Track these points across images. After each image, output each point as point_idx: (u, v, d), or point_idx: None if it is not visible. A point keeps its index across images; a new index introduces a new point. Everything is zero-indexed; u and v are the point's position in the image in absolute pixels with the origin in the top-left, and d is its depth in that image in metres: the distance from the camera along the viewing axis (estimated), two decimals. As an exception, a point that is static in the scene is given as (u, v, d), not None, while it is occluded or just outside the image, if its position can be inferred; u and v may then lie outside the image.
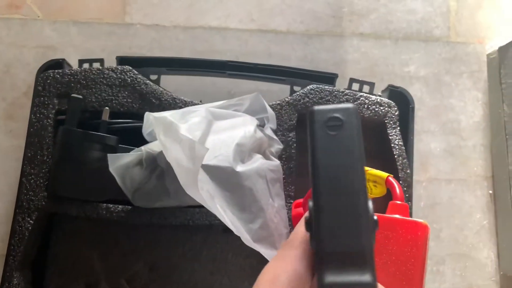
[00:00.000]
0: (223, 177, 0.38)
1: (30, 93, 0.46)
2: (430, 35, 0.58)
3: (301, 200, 0.42)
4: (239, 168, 0.39)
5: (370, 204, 0.21)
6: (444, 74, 0.57)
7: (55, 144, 0.44)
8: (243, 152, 0.40)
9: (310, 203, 0.22)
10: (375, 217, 0.21)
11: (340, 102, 0.47)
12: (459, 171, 0.55)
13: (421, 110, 0.55)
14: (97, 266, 0.46)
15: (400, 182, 0.45)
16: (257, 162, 0.41)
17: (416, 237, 0.31)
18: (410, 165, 0.47)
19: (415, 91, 0.55)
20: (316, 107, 0.23)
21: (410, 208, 0.46)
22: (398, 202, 0.33)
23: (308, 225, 0.22)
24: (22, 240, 0.42)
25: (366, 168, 0.35)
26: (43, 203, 0.43)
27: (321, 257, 0.21)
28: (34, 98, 0.45)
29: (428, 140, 0.55)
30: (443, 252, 0.53)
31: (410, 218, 0.32)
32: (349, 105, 0.23)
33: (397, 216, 0.32)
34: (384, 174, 0.35)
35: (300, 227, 0.24)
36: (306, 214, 0.23)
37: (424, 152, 0.55)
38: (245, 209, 0.39)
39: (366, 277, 0.20)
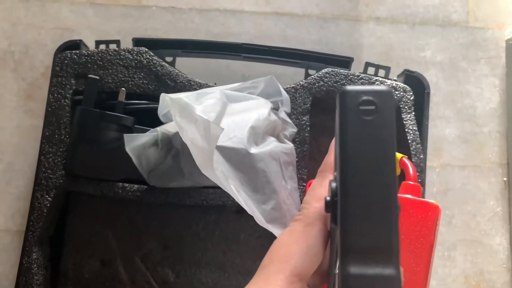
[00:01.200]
0: (237, 158, 0.39)
1: (48, 73, 0.47)
2: (448, 20, 0.57)
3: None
4: (253, 150, 0.39)
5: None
6: (461, 60, 0.56)
7: (72, 124, 0.44)
8: (257, 134, 0.40)
9: (333, 185, 0.21)
10: (399, 203, 0.21)
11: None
12: (473, 158, 0.55)
13: (436, 95, 0.55)
14: (112, 243, 0.47)
15: (413, 167, 0.45)
16: (271, 144, 0.41)
17: (426, 217, 0.32)
18: (424, 150, 0.47)
19: (431, 77, 0.55)
20: (349, 87, 0.21)
21: (423, 193, 0.46)
22: (411, 182, 0.33)
23: (329, 207, 0.21)
24: (41, 216, 0.43)
25: None
26: (61, 181, 0.44)
27: (347, 248, 0.20)
28: (52, 78, 0.46)
29: (442, 126, 0.55)
30: (454, 237, 0.53)
31: (421, 199, 0.33)
32: (384, 87, 0.21)
33: (408, 196, 0.32)
34: (399, 155, 0.35)
35: (315, 202, 0.24)
36: (327, 195, 0.22)
37: (438, 138, 0.54)
38: (258, 190, 0.39)
39: (391, 270, 0.20)
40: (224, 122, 0.40)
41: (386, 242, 0.20)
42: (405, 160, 0.34)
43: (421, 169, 0.46)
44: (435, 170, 0.54)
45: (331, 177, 0.23)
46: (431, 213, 0.32)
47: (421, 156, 0.46)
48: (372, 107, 0.21)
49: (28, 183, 0.48)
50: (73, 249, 0.47)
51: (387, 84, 0.19)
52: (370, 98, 0.21)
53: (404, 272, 0.29)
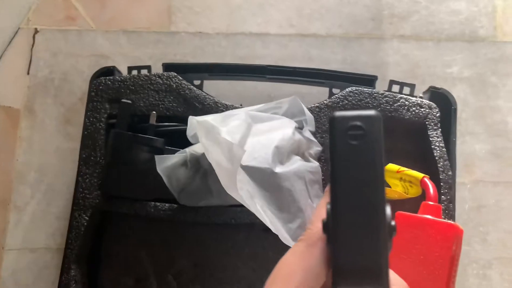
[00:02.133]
0: (262, 178, 0.40)
1: (84, 98, 0.50)
2: (475, 36, 0.57)
3: None
4: (278, 169, 0.40)
5: (389, 211, 0.21)
6: (490, 75, 0.56)
7: (107, 146, 0.47)
8: (281, 154, 0.41)
9: (328, 207, 0.22)
10: (393, 223, 0.21)
11: (375, 106, 0.47)
12: (506, 173, 0.53)
13: (465, 111, 0.54)
14: (145, 261, 0.48)
15: (441, 184, 0.45)
16: (296, 163, 0.42)
17: (446, 238, 0.31)
18: (453, 166, 0.47)
19: (458, 92, 0.54)
20: (337, 113, 0.22)
21: (453, 210, 0.46)
22: (431, 203, 0.33)
23: (326, 229, 0.22)
24: (79, 235, 0.45)
25: (403, 168, 0.36)
26: (97, 201, 0.46)
27: (337, 270, 0.21)
28: (88, 103, 0.49)
29: (472, 142, 0.54)
30: (490, 256, 0.51)
31: (441, 219, 0.32)
32: (372, 112, 0.22)
33: (428, 216, 0.32)
34: (420, 175, 0.35)
35: (318, 223, 0.24)
36: (324, 217, 0.23)
37: (469, 154, 0.54)
38: (284, 209, 0.40)
39: None
40: (249, 142, 0.41)
41: (374, 263, 0.20)
42: (426, 180, 0.34)
43: (449, 186, 0.45)
44: (466, 187, 0.53)
45: None
46: (450, 234, 0.32)
47: (449, 172, 0.46)
48: (360, 132, 0.21)
49: (67, 203, 0.51)
50: (108, 266, 0.48)
51: (375, 111, 0.19)
52: (358, 123, 0.21)
53: None
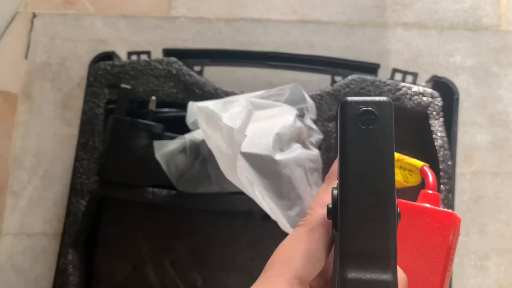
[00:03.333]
0: (262, 165, 0.39)
1: (83, 84, 0.50)
2: (478, 24, 0.56)
3: None
4: (278, 156, 0.40)
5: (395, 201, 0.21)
6: (492, 64, 0.55)
7: (105, 132, 0.46)
8: (282, 141, 0.41)
9: (335, 192, 0.22)
10: (398, 210, 0.21)
11: (377, 94, 0.46)
12: (506, 164, 0.53)
13: (466, 101, 0.54)
14: (143, 247, 0.48)
15: (441, 174, 0.45)
16: (296, 151, 0.42)
17: (443, 226, 0.31)
18: (453, 157, 0.47)
19: (460, 82, 0.54)
20: (350, 98, 0.22)
21: (452, 200, 0.45)
22: (430, 191, 0.33)
23: (331, 214, 0.22)
24: (76, 220, 0.45)
25: (403, 156, 0.35)
26: (95, 186, 0.46)
27: (345, 254, 0.21)
28: (87, 88, 0.48)
29: (473, 132, 0.54)
30: (487, 247, 0.51)
31: (439, 208, 0.32)
32: (384, 98, 0.22)
33: (426, 205, 0.32)
34: (419, 163, 0.35)
35: (319, 209, 0.24)
36: (329, 203, 0.23)
37: (469, 144, 0.53)
38: (283, 196, 0.40)
39: (387, 276, 0.20)
40: (249, 129, 0.40)
41: (383, 248, 0.20)
42: (426, 168, 0.34)
43: (449, 176, 0.45)
44: (466, 177, 0.53)
45: (335, 184, 0.24)
46: (447, 223, 0.31)
47: (449, 162, 0.45)
48: (372, 118, 0.22)
49: (65, 188, 0.50)
50: (105, 252, 0.48)
51: (387, 97, 0.19)
52: (370, 108, 0.22)
53: (418, 281, 0.29)
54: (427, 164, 0.34)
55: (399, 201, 0.34)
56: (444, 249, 0.31)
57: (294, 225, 0.39)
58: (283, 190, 0.40)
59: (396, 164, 0.36)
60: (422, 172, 0.34)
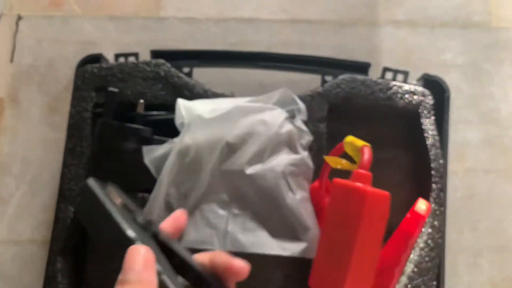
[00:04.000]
0: (237, 181, 0.40)
1: (70, 87, 0.49)
2: (469, 21, 0.56)
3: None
4: (250, 170, 0.40)
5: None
6: (483, 62, 0.55)
7: (93, 136, 0.46)
8: (263, 151, 0.40)
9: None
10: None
11: (368, 93, 0.46)
12: (498, 162, 0.53)
13: (458, 99, 0.53)
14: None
15: (433, 172, 0.45)
16: (275, 160, 0.41)
17: (360, 204, 0.33)
18: (445, 155, 0.46)
19: (452, 80, 0.53)
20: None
21: (444, 198, 0.45)
22: (362, 171, 0.34)
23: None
24: (64, 227, 0.44)
25: (354, 138, 0.36)
26: (84, 192, 0.45)
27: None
28: (74, 92, 0.47)
29: (465, 130, 0.53)
30: (480, 244, 0.51)
31: (360, 184, 0.33)
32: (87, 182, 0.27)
33: (359, 184, 0.33)
34: (360, 142, 0.36)
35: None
36: None
37: (461, 142, 0.53)
38: (260, 210, 0.40)
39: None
40: (230, 138, 0.40)
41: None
42: (365, 148, 0.35)
43: (441, 175, 0.45)
44: (458, 175, 0.53)
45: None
46: (365, 201, 0.33)
47: (441, 161, 0.45)
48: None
49: (53, 194, 0.50)
50: (95, 259, 0.48)
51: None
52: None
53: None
54: (368, 145, 0.35)
55: (337, 180, 0.36)
56: (358, 226, 0.33)
57: (276, 235, 0.39)
58: (258, 203, 0.40)
59: (337, 161, 0.38)
60: (361, 151, 0.35)
